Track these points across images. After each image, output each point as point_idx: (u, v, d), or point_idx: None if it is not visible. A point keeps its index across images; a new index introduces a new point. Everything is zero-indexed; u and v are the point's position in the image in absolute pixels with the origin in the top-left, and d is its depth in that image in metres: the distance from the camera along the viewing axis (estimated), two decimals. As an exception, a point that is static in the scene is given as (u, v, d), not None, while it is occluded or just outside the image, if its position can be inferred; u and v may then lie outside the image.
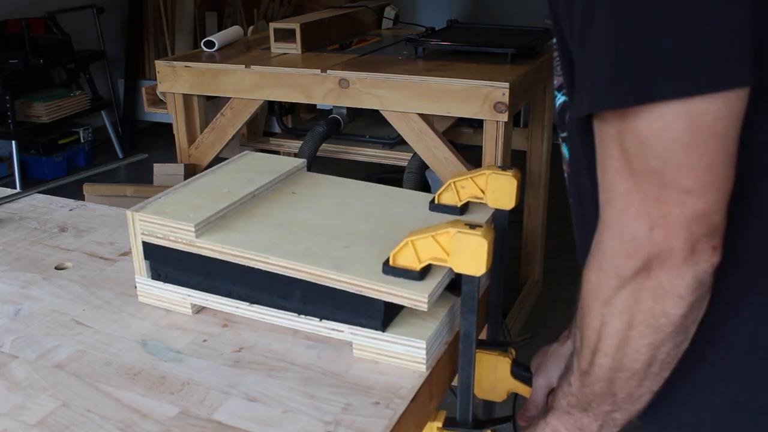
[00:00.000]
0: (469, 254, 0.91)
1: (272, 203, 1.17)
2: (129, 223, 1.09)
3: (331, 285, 0.98)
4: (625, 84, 0.70)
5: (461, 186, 1.14)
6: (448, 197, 1.15)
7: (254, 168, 1.24)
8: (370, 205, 1.18)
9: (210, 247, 1.04)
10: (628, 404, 0.86)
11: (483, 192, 1.13)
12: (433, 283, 0.95)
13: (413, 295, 0.94)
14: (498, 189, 1.11)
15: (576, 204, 1.01)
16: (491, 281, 1.20)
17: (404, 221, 1.12)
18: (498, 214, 1.15)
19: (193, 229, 1.04)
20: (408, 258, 0.96)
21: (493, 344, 1.21)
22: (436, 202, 1.16)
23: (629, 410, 0.87)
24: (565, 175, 1.03)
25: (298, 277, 1.00)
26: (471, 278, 0.94)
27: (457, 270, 0.93)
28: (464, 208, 1.15)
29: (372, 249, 1.03)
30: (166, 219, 1.06)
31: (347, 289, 0.97)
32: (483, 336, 1.23)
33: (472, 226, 0.91)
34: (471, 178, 1.13)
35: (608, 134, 0.75)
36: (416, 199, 1.21)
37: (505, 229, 1.16)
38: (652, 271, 0.75)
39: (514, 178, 1.10)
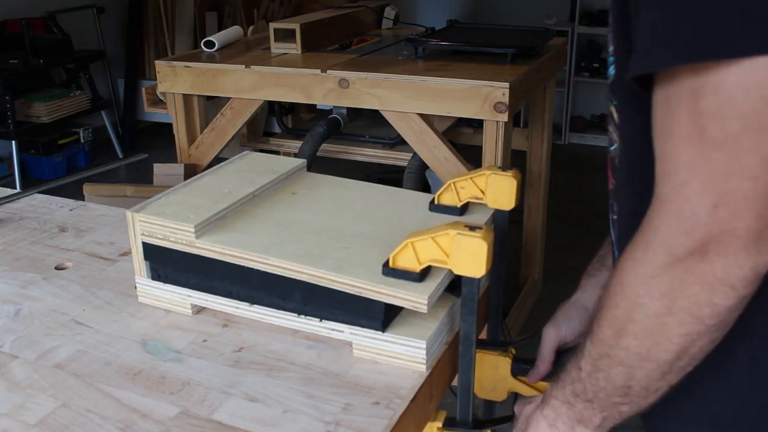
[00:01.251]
0: (469, 256, 0.91)
1: (272, 203, 1.17)
2: (129, 224, 1.09)
3: (331, 286, 0.98)
4: (716, 35, 0.62)
5: (461, 186, 1.14)
6: (447, 198, 1.15)
7: (254, 168, 1.24)
8: (370, 205, 1.18)
9: (210, 247, 1.04)
10: (640, 398, 0.81)
11: (483, 192, 1.13)
12: (433, 284, 0.95)
13: (413, 297, 0.93)
14: (498, 189, 1.11)
15: (628, 176, 0.92)
16: (491, 281, 1.20)
17: (404, 222, 1.12)
18: (498, 214, 1.15)
19: (193, 230, 1.04)
20: (408, 259, 0.96)
21: (493, 344, 1.21)
22: (435, 202, 1.16)
23: (639, 404, 0.82)
24: (613, 145, 0.95)
25: (298, 278, 1.00)
26: (471, 280, 0.94)
27: (456, 272, 0.93)
28: (464, 209, 1.15)
29: (372, 250, 1.03)
30: (166, 220, 1.06)
31: (347, 291, 0.97)
32: (483, 336, 1.23)
33: (472, 228, 0.91)
34: (471, 178, 1.13)
35: (677, 96, 0.67)
36: (416, 200, 1.21)
37: (504, 230, 1.15)
38: (707, 254, 0.68)
39: (513, 178, 1.10)
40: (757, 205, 0.65)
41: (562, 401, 0.90)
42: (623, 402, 0.83)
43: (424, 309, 0.94)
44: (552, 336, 1.14)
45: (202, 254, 1.05)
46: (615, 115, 0.91)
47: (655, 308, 0.74)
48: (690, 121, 0.67)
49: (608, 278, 0.83)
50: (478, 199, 1.14)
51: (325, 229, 1.09)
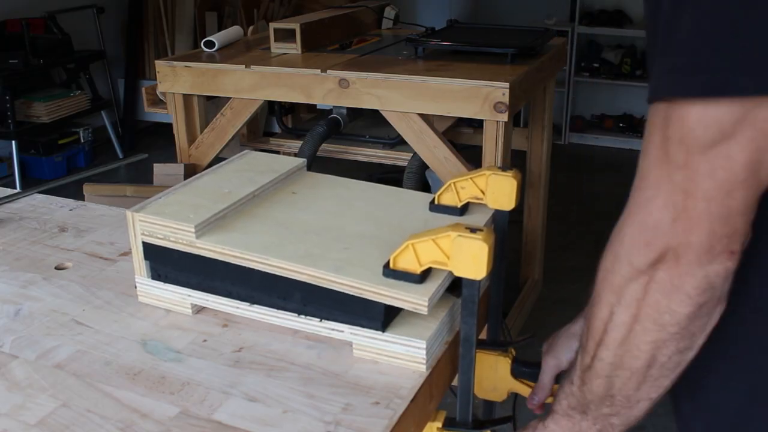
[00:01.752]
0: (470, 258, 0.91)
1: (272, 203, 1.17)
2: (129, 224, 1.09)
3: (331, 287, 0.98)
4: (688, 73, 0.70)
5: (461, 186, 1.14)
6: (448, 198, 1.15)
7: (254, 168, 1.24)
8: (371, 205, 1.18)
9: (210, 248, 1.04)
10: (625, 408, 0.86)
11: (483, 193, 1.13)
12: (433, 286, 0.95)
13: (414, 299, 0.93)
14: (498, 190, 1.11)
15: None
16: (491, 282, 1.20)
17: (405, 222, 1.12)
18: (498, 214, 1.14)
19: (193, 230, 1.04)
20: (408, 261, 0.96)
21: (493, 344, 1.21)
22: (436, 202, 1.16)
23: (627, 415, 0.86)
24: None
25: (299, 278, 1.00)
26: (471, 282, 0.94)
27: (457, 273, 0.93)
28: (464, 209, 1.15)
29: (372, 251, 1.03)
30: (167, 219, 1.06)
31: (347, 292, 0.97)
32: (483, 335, 1.23)
33: (473, 230, 0.91)
34: (471, 178, 1.13)
35: (654, 120, 0.74)
36: (417, 200, 1.21)
37: (505, 230, 1.15)
38: (664, 263, 0.75)
39: (514, 179, 1.10)
40: (710, 221, 0.72)
41: (561, 414, 0.94)
42: (611, 413, 0.88)
43: (424, 311, 0.94)
44: (551, 366, 1.17)
45: (202, 254, 1.05)
46: None
47: (623, 317, 0.80)
48: (660, 144, 0.74)
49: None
50: (478, 199, 1.14)
51: (325, 229, 1.09)
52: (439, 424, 1.03)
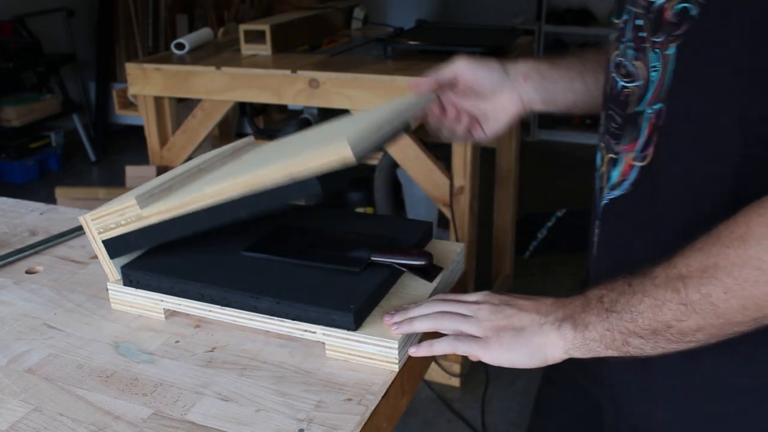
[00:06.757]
0: None
1: (218, 169, 1.17)
2: (86, 229, 1.09)
3: (265, 185, 0.96)
4: None
5: None
6: None
7: (204, 157, 1.24)
8: (316, 133, 1.18)
9: (156, 211, 1.04)
10: (668, 343, 0.78)
11: None
12: (358, 128, 0.94)
13: (336, 151, 0.91)
14: None
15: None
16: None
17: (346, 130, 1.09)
18: None
19: (135, 203, 1.04)
20: None
21: None
22: None
23: (643, 349, 0.80)
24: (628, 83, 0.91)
25: (244, 192, 0.98)
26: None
27: None
28: None
29: (304, 148, 1.00)
30: (112, 206, 1.06)
31: (279, 183, 0.95)
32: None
33: None
34: None
35: None
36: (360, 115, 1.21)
37: None
38: None
39: None
40: None
41: (599, 312, 0.84)
42: (638, 336, 0.79)
43: (353, 161, 0.91)
44: (460, 67, 1.18)
45: (151, 223, 1.05)
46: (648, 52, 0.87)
47: None
48: None
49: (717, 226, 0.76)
50: None
51: (267, 158, 1.07)
52: None
